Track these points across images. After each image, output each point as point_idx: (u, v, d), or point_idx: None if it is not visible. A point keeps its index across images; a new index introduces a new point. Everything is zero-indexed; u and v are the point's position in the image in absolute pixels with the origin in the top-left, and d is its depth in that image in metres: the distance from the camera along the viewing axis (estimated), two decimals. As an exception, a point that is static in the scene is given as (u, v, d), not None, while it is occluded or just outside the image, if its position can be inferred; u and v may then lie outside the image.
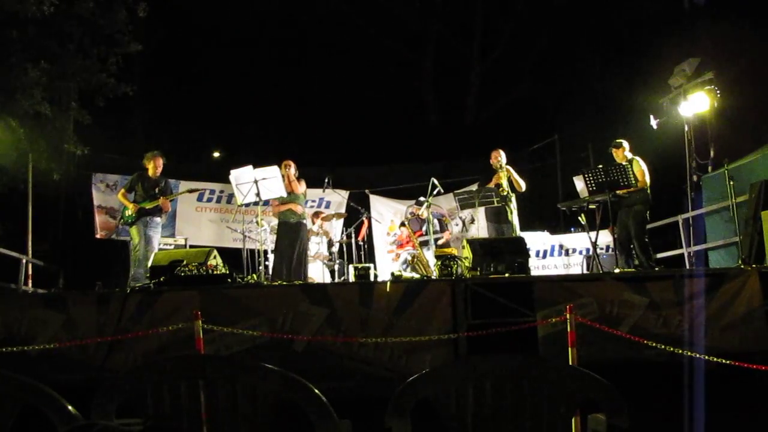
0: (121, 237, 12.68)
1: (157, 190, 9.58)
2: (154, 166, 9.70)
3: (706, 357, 5.28)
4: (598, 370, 2.44)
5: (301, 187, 9.70)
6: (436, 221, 11.78)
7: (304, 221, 9.82)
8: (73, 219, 13.71)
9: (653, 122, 11.54)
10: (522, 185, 10.10)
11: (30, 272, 11.64)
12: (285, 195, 9.15)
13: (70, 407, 2.34)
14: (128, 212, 9.49)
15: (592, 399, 2.42)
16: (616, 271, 8.22)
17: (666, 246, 11.80)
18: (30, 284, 11.42)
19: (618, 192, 8.73)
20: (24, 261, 11.06)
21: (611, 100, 15.36)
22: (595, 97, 16.45)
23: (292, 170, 9.62)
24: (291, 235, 9.53)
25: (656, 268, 8.61)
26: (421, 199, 11.62)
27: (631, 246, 8.95)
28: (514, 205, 10.03)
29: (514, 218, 9.97)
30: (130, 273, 9.41)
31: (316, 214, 11.99)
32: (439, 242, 11.59)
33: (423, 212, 11.30)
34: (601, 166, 8.89)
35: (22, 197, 12.22)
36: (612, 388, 2.39)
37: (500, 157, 10.16)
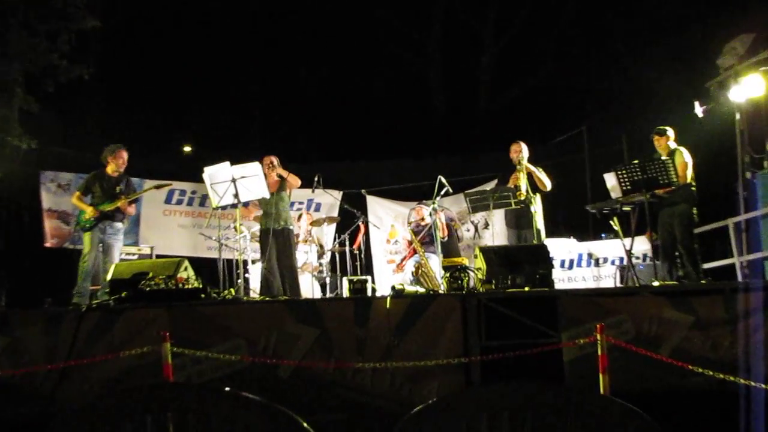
0: (75, 246, 12.66)
1: (117, 189, 9.54)
2: (116, 162, 9.66)
3: (765, 386, 5.27)
4: (634, 400, 2.44)
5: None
6: (443, 217, 11.76)
7: (291, 227, 9.81)
8: (18, 225, 13.67)
9: (698, 110, 11.52)
10: (547, 184, 10.09)
11: (-33, 288, 11.63)
12: (267, 196, 9.12)
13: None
14: (85, 216, 9.44)
15: (627, 434, 2.42)
16: (656, 283, 8.21)
17: (714, 255, 11.78)
18: (-34, 302, 11.42)
19: (657, 191, 8.73)
20: (-40, 274, 11.05)
21: (648, 84, 15.36)
22: (629, 81, 16.45)
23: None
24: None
25: (703, 281, 8.60)
26: (425, 202, 11.63)
27: (676, 253, 8.94)
28: (538, 207, 9.98)
29: (539, 223, 9.92)
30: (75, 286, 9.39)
31: (302, 216, 12.00)
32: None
33: (428, 216, 11.30)
34: (636, 161, 8.88)
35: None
36: (651, 422, 2.39)
37: (521, 152, 10.10)
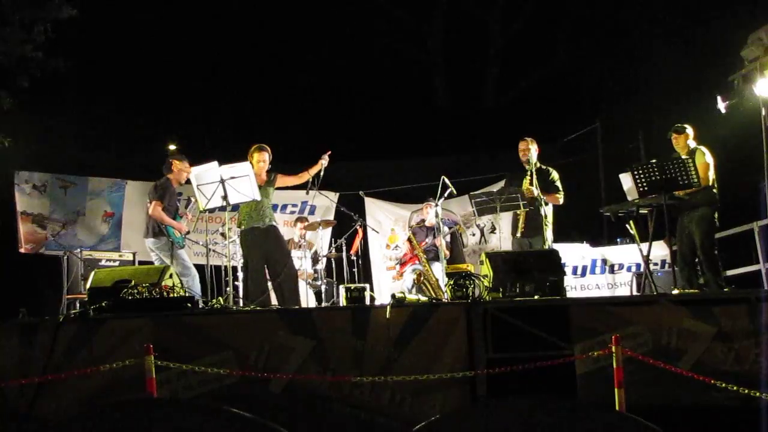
0: (50, 251, 12.67)
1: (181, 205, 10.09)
2: (180, 176, 10.02)
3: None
4: (651, 416, 2.45)
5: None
6: (446, 229, 11.78)
7: (275, 224, 9.69)
8: (-10, 229, 13.70)
9: (721, 105, 11.48)
10: (559, 198, 10.04)
11: (-65, 296, 11.62)
12: (258, 198, 9.06)
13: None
14: (176, 233, 9.85)
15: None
16: (675, 292, 8.22)
17: (737, 261, 11.79)
18: (-65, 312, 11.41)
19: (676, 193, 8.74)
20: (-73, 282, 11.06)
21: (667, 77, 15.37)
22: (647, 74, 16.46)
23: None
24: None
25: (726, 289, 8.61)
26: (430, 199, 11.64)
27: (696, 260, 8.95)
28: (549, 211, 9.97)
29: (548, 230, 9.90)
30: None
31: (298, 222, 12.01)
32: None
33: (432, 218, 11.30)
34: (654, 160, 8.89)
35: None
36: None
37: (529, 150, 10.03)
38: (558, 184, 10.06)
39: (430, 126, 19.80)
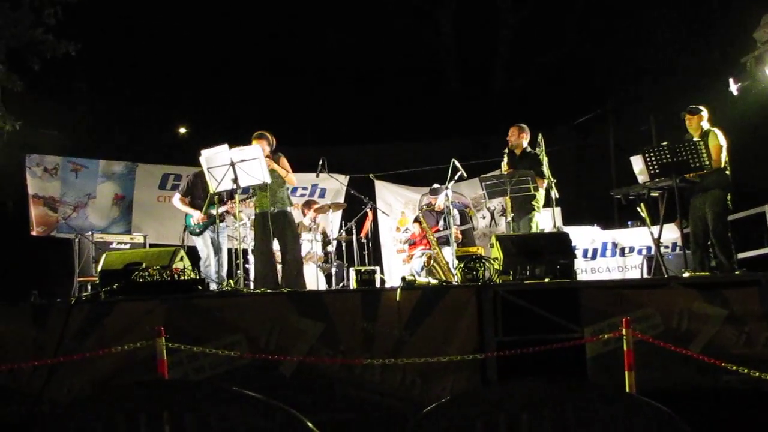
0: (62, 234, 12.71)
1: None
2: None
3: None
4: (662, 399, 2.43)
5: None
6: (456, 213, 11.76)
7: (288, 209, 9.71)
8: (1, 212, 13.72)
9: (733, 87, 11.45)
10: (545, 182, 10.09)
11: (-53, 279, 11.67)
12: (269, 181, 9.05)
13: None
14: (193, 220, 10.05)
15: (655, 435, 2.42)
16: (686, 274, 8.17)
17: (749, 244, 11.75)
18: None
19: (687, 176, 8.71)
20: (-60, 265, 11.10)
21: (679, 59, 15.28)
22: (658, 56, 16.36)
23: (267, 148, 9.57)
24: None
25: (737, 272, 8.58)
26: (436, 186, 11.62)
27: (709, 242, 8.93)
28: (540, 195, 10.00)
29: (536, 213, 9.96)
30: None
31: (308, 205, 12.00)
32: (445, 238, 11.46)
33: (440, 202, 11.29)
34: (666, 143, 8.86)
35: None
36: (681, 423, 2.39)
37: (518, 137, 10.19)
38: (542, 169, 10.07)
39: (440, 109, 19.71)
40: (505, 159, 10.19)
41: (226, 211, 10.00)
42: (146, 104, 17.27)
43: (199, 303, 6.75)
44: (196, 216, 9.95)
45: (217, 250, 10.04)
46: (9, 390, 6.44)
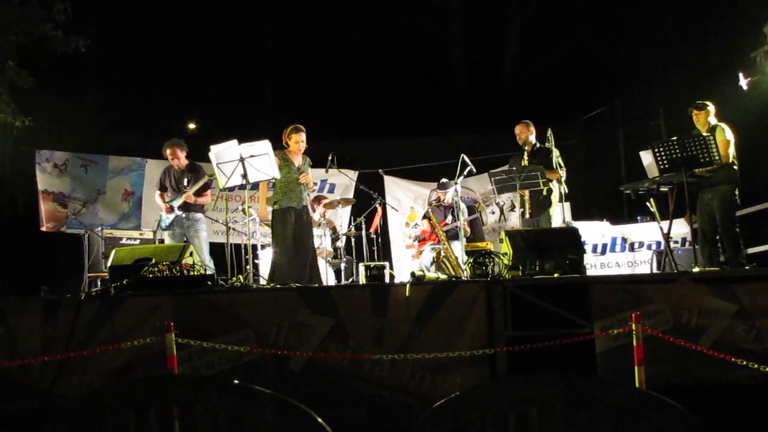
0: (72, 230, 12.74)
1: (185, 182, 10.23)
2: (171, 161, 10.43)
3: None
4: (671, 394, 2.43)
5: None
6: (465, 207, 11.75)
7: (308, 205, 9.77)
8: (11, 207, 13.75)
9: (743, 82, 11.41)
10: (556, 174, 10.04)
11: (-43, 275, 11.71)
12: (278, 176, 9.06)
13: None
14: (162, 215, 10.22)
15: (665, 431, 2.42)
16: (695, 270, 8.17)
17: (758, 239, 11.71)
18: (-43, 290, 11.49)
19: (697, 171, 8.68)
20: (-50, 261, 11.13)
21: (688, 54, 15.24)
22: (667, 51, 16.33)
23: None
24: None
25: (747, 267, 8.57)
26: (444, 180, 11.61)
27: (717, 237, 8.91)
28: (555, 190, 9.99)
29: (554, 208, 9.94)
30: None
31: (318, 200, 12.00)
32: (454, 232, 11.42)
33: (449, 197, 11.28)
34: (675, 138, 8.83)
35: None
36: (691, 418, 2.39)
37: (526, 134, 10.17)
38: (558, 161, 10.05)
39: (449, 104, 19.72)
40: (525, 156, 10.14)
41: (192, 203, 10.15)
42: (156, 100, 17.31)
43: (208, 298, 6.76)
44: (164, 209, 10.18)
45: (189, 243, 9.77)
46: (20, 385, 6.46)
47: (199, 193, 10.25)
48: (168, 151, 10.37)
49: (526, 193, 9.88)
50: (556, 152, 10.11)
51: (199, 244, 9.98)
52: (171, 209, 10.09)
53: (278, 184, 9.38)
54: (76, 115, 14.20)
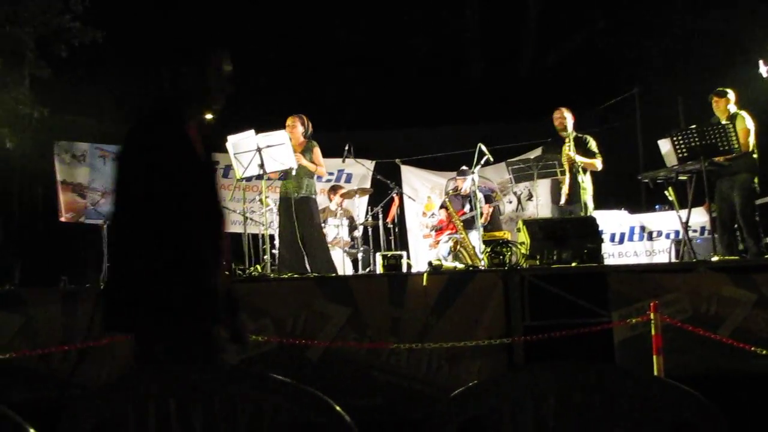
0: (90, 220, 12.78)
1: None
2: None
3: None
4: (690, 383, 2.42)
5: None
6: (482, 197, 11.71)
7: (313, 195, 9.72)
8: (31, 198, 13.81)
9: (763, 69, 11.34)
10: (597, 165, 9.92)
11: (-22, 265, 11.77)
12: (295, 166, 9.08)
13: None
14: None
15: (683, 420, 2.41)
16: (714, 258, 8.13)
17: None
18: (-23, 279, 11.56)
19: (716, 159, 8.64)
20: (-29, 251, 11.18)
21: (707, 41, 15.13)
22: (687, 38, 16.22)
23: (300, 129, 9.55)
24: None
25: (766, 255, 8.52)
26: (464, 168, 11.59)
27: (736, 226, 8.86)
28: (587, 179, 9.88)
29: (588, 197, 9.82)
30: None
31: (334, 190, 12.00)
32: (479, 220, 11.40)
33: (467, 187, 11.26)
34: (694, 126, 8.79)
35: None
36: (711, 407, 2.38)
37: (565, 119, 9.93)
38: (595, 149, 9.96)
39: (466, 93, 19.65)
40: (567, 144, 9.87)
41: None
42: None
43: (226, 288, 6.78)
44: None
45: None
46: (40, 374, 6.52)
47: None
48: None
49: (565, 180, 9.72)
50: (592, 140, 10.03)
51: None
52: None
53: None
54: (94, 106, 14.22)
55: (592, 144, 9.99)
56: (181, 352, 3.43)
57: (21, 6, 12.28)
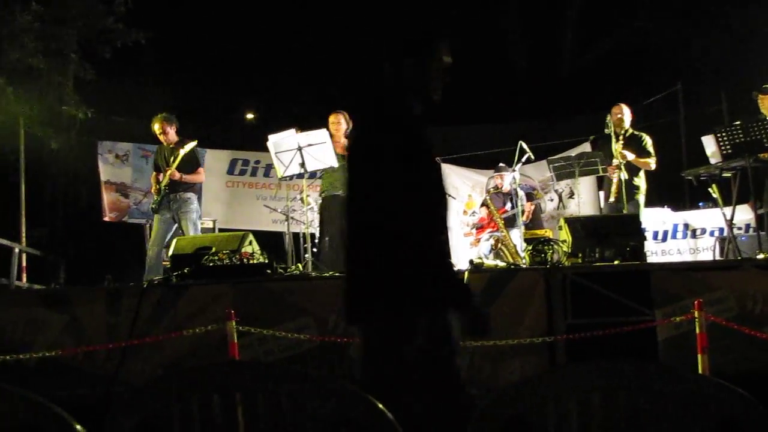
0: (133, 219, 12.91)
1: (171, 160, 9.44)
2: (158, 136, 9.71)
3: None
4: (735, 382, 2.39)
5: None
6: (523, 194, 11.66)
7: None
8: (75, 198, 13.98)
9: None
10: (651, 163, 9.76)
11: (24, 264, 11.90)
12: (336, 165, 9.06)
13: (79, 428, 2.40)
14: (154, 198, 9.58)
15: (731, 419, 2.38)
16: (760, 256, 8.03)
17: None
18: (24, 278, 11.69)
19: (761, 155, 8.53)
20: (16, 250, 11.33)
21: (752, 35, 14.95)
22: (731, 33, 16.03)
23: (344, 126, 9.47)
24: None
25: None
26: (502, 164, 11.55)
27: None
28: (641, 179, 9.71)
29: (641, 196, 9.67)
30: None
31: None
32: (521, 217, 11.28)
33: (508, 184, 11.21)
34: (738, 122, 8.69)
35: (12, 172, 12.46)
36: (758, 406, 2.35)
37: (622, 116, 9.73)
38: (650, 149, 9.81)
39: (507, 91, 19.58)
40: (618, 141, 9.70)
41: (179, 180, 9.41)
42: (215, 90, 17.44)
43: (268, 286, 6.82)
44: (153, 191, 9.59)
45: (179, 225, 9.43)
46: (85, 372, 6.58)
47: (185, 170, 9.48)
48: (156, 126, 9.61)
49: (616, 177, 9.58)
50: (648, 139, 9.88)
51: (186, 227, 9.37)
52: (159, 191, 9.39)
53: (325, 173, 9.40)
54: (136, 106, 14.35)
55: (648, 142, 9.83)
56: (431, 341, 3.52)
57: (65, 9, 12.41)
